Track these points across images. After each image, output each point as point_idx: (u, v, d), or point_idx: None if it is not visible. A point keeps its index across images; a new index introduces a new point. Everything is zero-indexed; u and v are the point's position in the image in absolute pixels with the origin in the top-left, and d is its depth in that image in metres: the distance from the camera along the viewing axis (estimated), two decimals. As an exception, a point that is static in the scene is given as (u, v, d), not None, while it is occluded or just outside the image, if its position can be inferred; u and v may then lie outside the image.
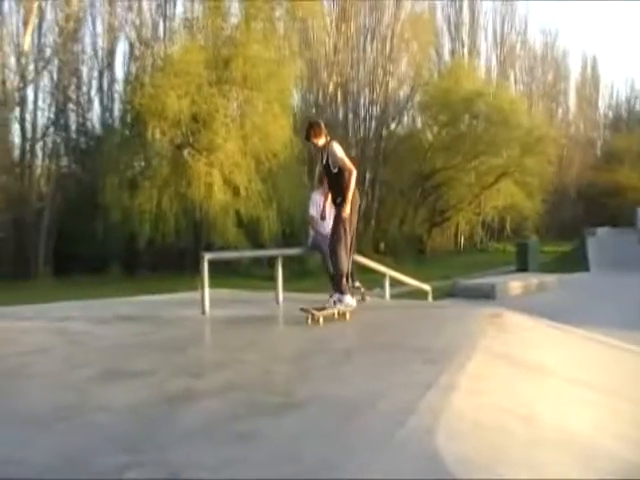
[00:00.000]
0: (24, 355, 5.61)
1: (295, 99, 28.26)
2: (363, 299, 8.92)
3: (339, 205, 7.19)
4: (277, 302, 8.58)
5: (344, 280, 7.07)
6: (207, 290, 7.63)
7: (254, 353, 5.65)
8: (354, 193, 7.12)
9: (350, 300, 7.13)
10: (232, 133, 20.81)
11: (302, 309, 6.92)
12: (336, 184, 7.23)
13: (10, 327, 7.06)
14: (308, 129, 7.33)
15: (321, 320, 6.74)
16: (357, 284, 8.91)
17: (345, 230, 7.09)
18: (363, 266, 9.63)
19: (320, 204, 9.25)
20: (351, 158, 7.29)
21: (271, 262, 17.74)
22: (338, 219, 7.17)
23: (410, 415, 3.71)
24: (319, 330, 6.68)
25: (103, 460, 3.08)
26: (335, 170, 7.15)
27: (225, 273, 9.87)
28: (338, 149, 7.15)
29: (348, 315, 7.09)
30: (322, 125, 7.32)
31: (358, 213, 7.66)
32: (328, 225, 9.18)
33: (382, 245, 28.18)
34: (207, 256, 7.80)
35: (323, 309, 6.92)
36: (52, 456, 3.17)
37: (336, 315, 7.01)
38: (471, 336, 6.33)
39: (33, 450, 3.26)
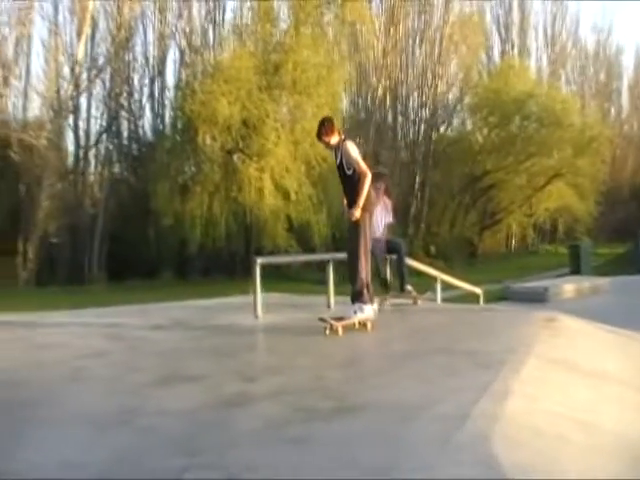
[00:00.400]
0: (82, 359, 5.72)
1: (344, 103, 28.28)
2: (415, 303, 8.89)
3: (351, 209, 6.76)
4: (328, 306, 8.59)
5: (365, 289, 6.66)
6: (259, 294, 7.68)
7: (307, 357, 5.67)
8: (369, 195, 6.76)
9: (370, 310, 6.72)
10: (282, 138, 20.89)
11: (320, 319, 6.57)
12: (350, 187, 6.78)
13: (67, 331, 7.21)
14: (319, 126, 6.87)
15: (340, 331, 6.39)
16: (409, 288, 8.88)
17: (365, 235, 6.68)
18: (414, 269, 9.58)
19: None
20: (364, 160, 6.91)
21: (321, 266, 17.82)
22: (354, 226, 6.71)
23: (466, 420, 3.69)
24: (371, 334, 6.67)
25: (162, 463, 3.13)
26: (349, 172, 6.72)
27: (276, 277, 9.93)
28: (352, 149, 6.73)
29: (370, 325, 6.69)
30: (334, 122, 6.95)
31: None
32: (379, 229, 9.20)
33: (432, 248, 27.99)
34: (259, 260, 7.86)
35: (342, 319, 6.59)
36: (113, 458, 3.23)
37: (356, 325, 6.65)
38: (525, 340, 6.25)
39: (94, 452, 3.33)
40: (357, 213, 6.58)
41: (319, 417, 3.82)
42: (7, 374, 5.09)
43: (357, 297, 6.64)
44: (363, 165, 6.69)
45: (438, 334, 6.90)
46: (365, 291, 6.63)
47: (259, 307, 7.71)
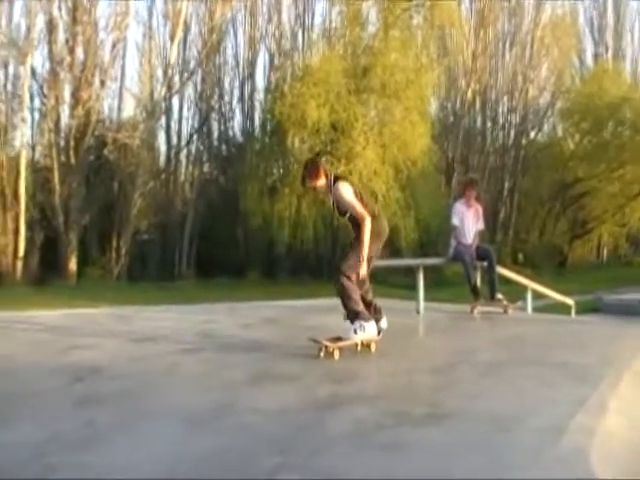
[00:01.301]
0: (176, 354, 5.87)
1: (433, 107, 28.06)
2: (505, 311, 8.76)
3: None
4: (418, 312, 8.57)
5: (361, 307, 5.94)
6: (349, 298, 7.70)
7: (397, 362, 5.67)
8: (379, 221, 6.12)
9: (373, 328, 5.96)
10: (371, 141, 20.88)
11: (312, 340, 5.87)
12: (354, 227, 6.07)
13: (160, 326, 7.39)
14: (303, 170, 6.23)
15: (336, 354, 5.68)
16: (499, 296, 8.76)
17: (360, 257, 5.87)
18: (504, 277, 9.44)
19: (462, 214, 9.19)
20: (363, 201, 6.03)
21: (408, 270, 17.79)
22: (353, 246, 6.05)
23: (562, 433, 3.62)
24: (463, 341, 6.62)
25: (256, 460, 3.18)
26: (347, 215, 6.02)
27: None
28: (345, 191, 5.92)
29: (373, 346, 6.02)
30: (319, 165, 6.19)
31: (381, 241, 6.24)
32: (470, 235, 9.12)
33: (520, 256, 27.47)
34: (348, 264, 7.88)
35: (340, 340, 5.86)
36: (209, 454, 3.30)
37: (359, 347, 5.97)
38: (622, 355, 6.06)
39: (191, 448, 3.40)
40: (362, 270, 5.90)
41: (411, 423, 3.81)
42: (110, 367, 5.26)
43: (355, 316, 5.93)
44: (359, 208, 5.89)
45: (530, 344, 6.78)
46: (362, 309, 5.94)
47: (348, 310, 7.73)
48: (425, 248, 19.05)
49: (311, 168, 6.13)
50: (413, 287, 10.61)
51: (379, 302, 6.24)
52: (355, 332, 5.89)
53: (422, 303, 8.71)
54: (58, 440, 3.54)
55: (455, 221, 9.22)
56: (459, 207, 9.32)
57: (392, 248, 19.73)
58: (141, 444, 3.52)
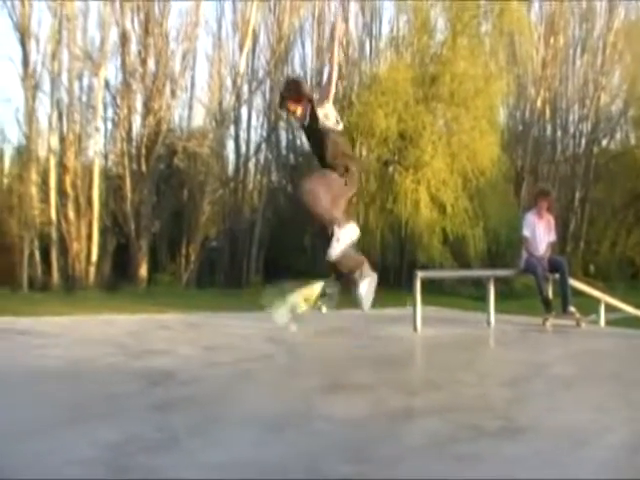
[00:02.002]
0: (247, 361, 5.94)
1: (502, 116, 27.70)
2: (578, 325, 8.58)
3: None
4: (488, 323, 8.47)
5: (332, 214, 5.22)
6: (419, 308, 7.69)
7: (470, 374, 5.60)
8: (357, 161, 5.66)
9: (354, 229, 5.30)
10: (439, 150, 20.72)
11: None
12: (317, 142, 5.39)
13: (230, 333, 7.49)
14: (283, 90, 5.46)
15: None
16: (572, 309, 8.58)
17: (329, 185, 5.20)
18: (575, 289, 9.24)
19: (534, 225, 9.06)
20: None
21: (476, 281, 17.60)
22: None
23: (638, 452, 3.53)
24: (535, 354, 6.51)
25: (331, 468, 3.18)
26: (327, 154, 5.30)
27: (429, 290, 9.87)
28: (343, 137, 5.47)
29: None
30: (302, 83, 5.59)
31: None
32: (542, 246, 8.98)
33: (592, 267, 26.85)
34: (420, 274, 7.88)
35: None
36: (283, 461, 3.31)
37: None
38: None
39: (265, 454, 3.43)
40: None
41: (486, 436, 3.77)
42: (183, 372, 5.35)
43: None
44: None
45: (605, 359, 6.61)
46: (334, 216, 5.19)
47: (418, 320, 7.70)
48: (494, 259, 18.77)
49: (294, 87, 5.40)
50: (481, 298, 10.50)
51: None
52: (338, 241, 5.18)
53: (492, 315, 8.60)
54: (134, 442, 3.60)
55: (526, 232, 9.09)
56: (530, 218, 9.19)
57: (460, 259, 19.55)
58: (215, 448, 3.56)
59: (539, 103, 29.53)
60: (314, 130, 5.29)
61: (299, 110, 5.29)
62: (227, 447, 3.56)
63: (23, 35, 21.12)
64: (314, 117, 5.21)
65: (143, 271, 21.04)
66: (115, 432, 3.76)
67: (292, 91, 5.32)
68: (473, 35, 23.19)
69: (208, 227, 24.01)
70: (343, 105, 23.31)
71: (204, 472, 3.12)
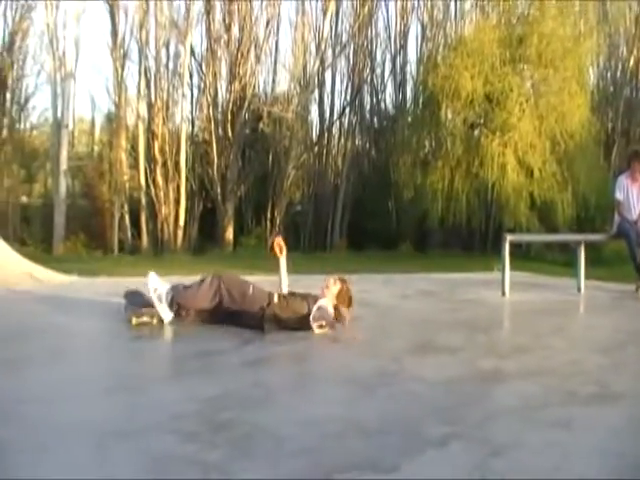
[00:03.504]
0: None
1: (592, 77, 26.80)
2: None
3: None
4: (579, 289, 8.30)
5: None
6: (508, 272, 7.61)
7: (560, 340, 5.54)
8: None
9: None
10: (526, 112, 20.24)
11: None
12: None
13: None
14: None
15: None
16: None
17: None
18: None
19: (627, 188, 8.80)
20: None
21: (563, 246, 17.23)
22: None
23: None
24: (629, 321, 6.38)
25: (426, 428, 3.20)
26: None
27: (516, 256, 9.76)
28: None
29: None
30: None
31: None
32: (635, 211, 8.71)
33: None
34: (509, 237, 7.78)
35: None
36: (379, 419, 3.36)
37: None
38: None
39: (363, 412, 3.48)
40: None
41: (579, 402, 3.72)
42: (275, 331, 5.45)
43: None
44: None
45: None
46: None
47: (507, 284, 7.63)
48: (582, 225, 18.32)
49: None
50: (568, 264, 10.30)
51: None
52: None
53: (583, 281, 8.43)
54: (232, 397, 3.71)
55: (619, 195, 8.83)
56: (623, 180, 8.92)
57: (548, 223, 19.18)
58: (312, 404, 3.64)
59: (632, 62, 28.36)
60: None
61: None
62: (323, 404, 3.64)
63: (112, 6, 21.58)
64: None
65: (229, 234, 21.44)
66: (212, 388, 3.88)
67: None
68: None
69: (293, 191, 24.25)
70: (428, 67, 23.01)
71: (304, 428, 3.19)
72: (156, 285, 5.62)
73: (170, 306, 5.50)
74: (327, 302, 5.57)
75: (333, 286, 5.70)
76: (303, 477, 2.55)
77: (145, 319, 5.42)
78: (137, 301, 5.68)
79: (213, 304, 5.49)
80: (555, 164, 20.17)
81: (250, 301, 5.45)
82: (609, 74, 29.13)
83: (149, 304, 5.52)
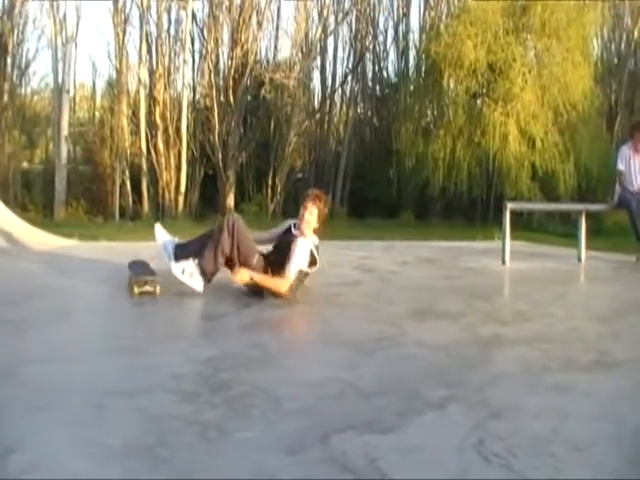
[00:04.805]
0: (336, 286, 6.02)
1: (596, 47, 26.54)
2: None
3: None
4: (579, 259, 8.30)
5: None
6: (508, 240, 7.60)
7: (560, 308, 5.54)
8: None
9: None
10: (529, 82, 20.03)
11: None
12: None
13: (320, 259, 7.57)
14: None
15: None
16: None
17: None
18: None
19: (629, 158, 8.76)
20: None
21: (564, 218, 17.21)
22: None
23: None
24: (629, 291, 6.38)
25: (424, 391, 3.21)
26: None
27: (517, 225, 9.73)
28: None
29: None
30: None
31: None
32: (637, 181, 8.68)
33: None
34: (510, 205, 7.76)
35: None
36: (378, 381, 3.37)
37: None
38: None
39: (364, 374, 3.49)
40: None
41: (579, 368, 3.73)
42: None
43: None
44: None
45: None
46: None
47: (507, 252, 7.63)
48: (584, 196, 18.24)
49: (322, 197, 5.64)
50: (569, 235, 10.28)
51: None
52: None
53: (583, 250, 8.42)
54: (231, 359, 3.72)
55: (620, 166, 8.79)
56: (625, 151, 8.87)
57: (549, 194, 19.12)
58: (310, 366, 3.66)
59: (636, 34, 28.05)
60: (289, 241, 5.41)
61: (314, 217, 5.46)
62: (321, 366, 3.64)
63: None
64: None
65: (230, 201, 21.39)
66: (210, 350, 3.89)
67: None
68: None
69: (294, 158, 24.13)
70: (430, 36, 22.78)
71: (303, 389, 3.21)
72: (164, 238, 5.61)
73: (202, 275, 5.35)
74: (307, 245, 5.36)
75: (311, 217, 5.44)
76: (301, 437, 2.56)
77: (147, 288, 5.28)
78: (141, 271, 5.57)
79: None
80: (557, 135, 20.03)
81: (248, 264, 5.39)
82: (613, 45, 28.87)
83: (152, 273, 5.45)
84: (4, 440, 2.47)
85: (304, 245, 5.32)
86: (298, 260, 5.28)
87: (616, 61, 27.57)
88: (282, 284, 5.24)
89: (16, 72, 22.73)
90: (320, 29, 24.39)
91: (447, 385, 3.33)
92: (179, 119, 21.56)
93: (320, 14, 24.59)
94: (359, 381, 3.34)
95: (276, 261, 5.37)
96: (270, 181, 22.53)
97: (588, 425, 2.87)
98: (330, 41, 25.52)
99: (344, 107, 26.26)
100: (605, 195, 15.06)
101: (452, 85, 21.74)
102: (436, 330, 4.53)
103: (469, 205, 21.87)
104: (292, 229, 5.56)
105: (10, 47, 21.84)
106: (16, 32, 22.22)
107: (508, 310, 5.44)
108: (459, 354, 3.95)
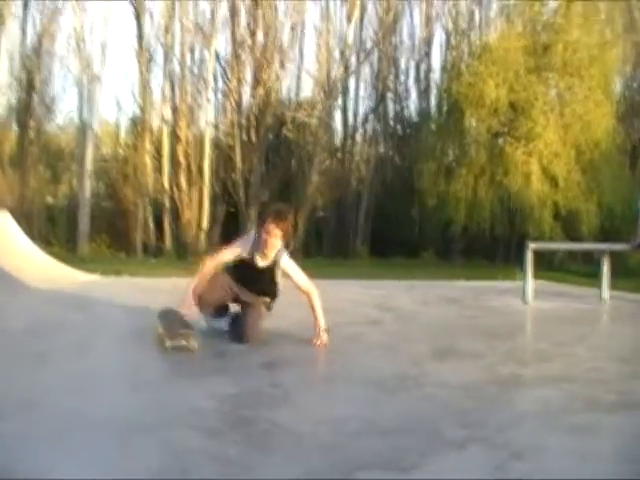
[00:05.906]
0: (358, 325, 6.03)
1: (618, 86, 26.56)
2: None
3: None
4: (602, 298, 8.25)
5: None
6: (530, 280, 7.58)
7: (582, 348, 5.50)
8: None
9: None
10: (551, 121, 20.08)
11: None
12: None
13: (340, 298, 7.57)
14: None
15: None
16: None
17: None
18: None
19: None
20: None
21: (586, 257, 17.08)
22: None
23: None
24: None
25: (445, 431, 3.21)
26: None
27: (539, 265, 9.67)
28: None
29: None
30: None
31: None
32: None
33: None
34: (532, 245, 7.75)
35: None
36: (400, 420, 3.37)
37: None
38: None
39: (382, 413, 3.49)
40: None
41: (601, 409, 3.70)
42: (294, 333, 5.49)
43: None
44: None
45: None
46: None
47: (529, 292, 7.60)
48: (607, 236, 18.08)
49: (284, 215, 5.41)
50: (592, 275, 10.20)
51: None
52: None
53: (607, 290, 8.37)
54: (251, 396, 3.74)
55: (642, 205, 8.78)
56: (650, 190, 8.87)
57: (572, 234, 19.00)
58: (330, 404, 3.67)
59: (658, 71, 28.07)
60: (266, 269, 5.33)
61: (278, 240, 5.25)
62: (341, 404, 3.65)
63: (138, 10, 21.77)
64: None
65: (252, 239, 21.48)
66: (231, 386, 3.91)
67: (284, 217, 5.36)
68: (587, 1, 22.26)
69: (316, 197, 24.22)
70: (452, 75, 22.95)
71: (323, 426, 3.21)
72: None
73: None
74: (286, 255, 5.37)
75: (276, 240, 5.24)
76: (322, 474, 2.57)
77: (183, 342, 4.84)
78: (172, 321, 5.05)
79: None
80: (580, 173, 19.98)
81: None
82: (635, 83, 28.90)
83: (186, 325, 4.99)
84: (30, 470, 2.50)
85: (287, 259, 5.36)
86: (297, 271, 5.38)
87: (638, 99, 27.58)
88: (314, 290, 5.34)
89: (42, 109, 23.12)
90: (342, 68, 24.65)
91: (468, 425, 3.32)
92: (201, 157, 21.81)
93: (342, 54, 24.88)
94: (379, 419, 3.34)
95: (254, 290, 5.40)
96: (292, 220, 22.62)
97: (610, 466, 2.85)
98: (352, 81, 25.78)
99: (365, 146, 26.40)
100: (629, 234, 14.97)
101: (474, 124, 21.82)
102: (457, 370, 4.52)
103: (490, 244, 21.78)
104: (257, 259, 5.31)
105: (37, 84, 22.27)
106: (43, 70, 22.67)
107: (529, 349, 5.41)
108: (480, 394, 3.94)
